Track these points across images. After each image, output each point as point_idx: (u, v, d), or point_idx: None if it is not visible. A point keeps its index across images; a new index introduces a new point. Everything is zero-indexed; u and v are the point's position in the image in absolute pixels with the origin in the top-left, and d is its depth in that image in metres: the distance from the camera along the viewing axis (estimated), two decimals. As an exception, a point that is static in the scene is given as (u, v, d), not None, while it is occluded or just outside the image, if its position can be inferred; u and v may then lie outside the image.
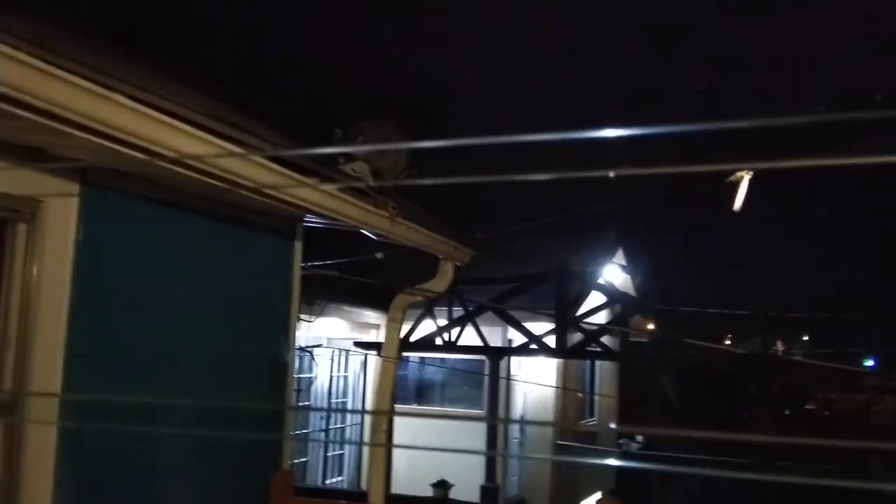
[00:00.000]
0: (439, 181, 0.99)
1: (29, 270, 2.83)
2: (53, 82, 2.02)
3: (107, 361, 3.19)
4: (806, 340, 23.79)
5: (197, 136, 2.54)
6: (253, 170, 2.91)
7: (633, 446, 16.14)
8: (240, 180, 2.85)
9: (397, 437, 10.62)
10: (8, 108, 1.93)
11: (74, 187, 2.97)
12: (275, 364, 4.29)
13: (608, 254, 15.27)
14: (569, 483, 14.17)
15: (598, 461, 13.56)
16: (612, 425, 16.40)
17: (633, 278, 16.07)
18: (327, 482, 12.03)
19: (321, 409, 11.52)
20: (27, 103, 1.98)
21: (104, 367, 3.17)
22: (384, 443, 4.53)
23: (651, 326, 17.49)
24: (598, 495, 15.07)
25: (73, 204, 2.98)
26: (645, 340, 13.93)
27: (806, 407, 23.59)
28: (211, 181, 2.77)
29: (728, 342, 19.62)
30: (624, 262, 16.10)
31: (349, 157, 3.84)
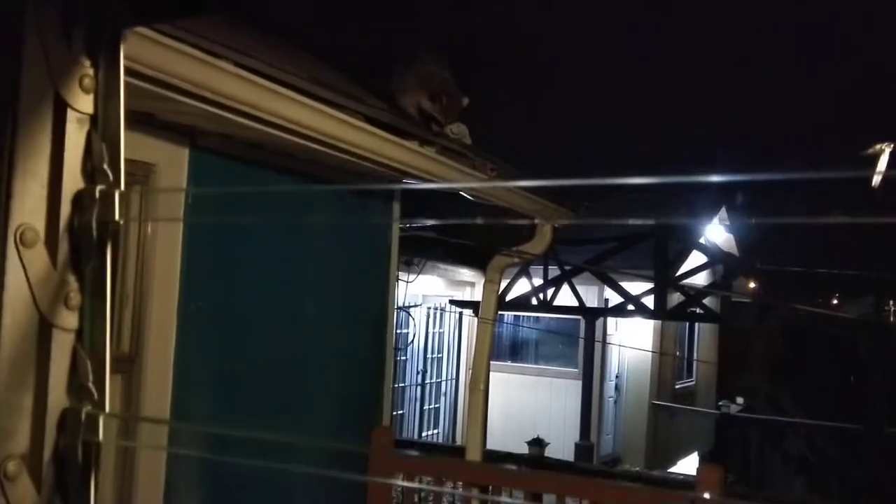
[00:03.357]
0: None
1: (143, 231, 2.96)
2: (163, 51, 2.06)
3: (217, 317, 3.31)
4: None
5: (300, 101, 2.57)
6: (352, 133, 2.93)
7: (734, 408, 15.78)
8: (340, 144, 2.87)
9: (491, 394, 10.72)
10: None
11: (184, 151, 3.06)
12: (375, 323, 4.36)
13: (710, 212, 14.79)
14: (665, 443, 14.02)
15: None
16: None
17: (736, 237, 15.53)
18: (423, 435, 12.30)
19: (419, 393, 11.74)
20: (137, 71, 2.03)
21: (215, 322, 3.30)
22: (480, 403, 4.58)
23: (754, 286, 16.90)
24: (695, 456, 14.88)
25: (184, 167, 3.07)
26: (748, 301, 13.51)
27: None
28: (313, 146, 2.80)
29: (836, 302, 18.79)
30: (727, 221, 15.56)
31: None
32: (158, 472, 2.99)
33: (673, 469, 13.73)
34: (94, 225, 0.93)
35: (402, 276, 9.12)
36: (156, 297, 2.98)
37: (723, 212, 15.45)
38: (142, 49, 2.00)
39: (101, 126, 0.95)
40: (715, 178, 0.85)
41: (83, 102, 0.94)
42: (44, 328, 0.91)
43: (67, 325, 0.93)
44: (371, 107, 3.19)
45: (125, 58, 1.94)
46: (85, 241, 0.93)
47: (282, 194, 3.63)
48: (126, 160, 2.72)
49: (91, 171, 0.94)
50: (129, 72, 2.02)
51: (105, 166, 0.93)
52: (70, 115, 0.93)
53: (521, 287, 11.76)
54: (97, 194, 0.93)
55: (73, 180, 0.93)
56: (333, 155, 3.00)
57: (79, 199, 0.93)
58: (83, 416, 0.91)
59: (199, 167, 3.11)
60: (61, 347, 0.92)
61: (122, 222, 0.93)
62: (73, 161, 0.93)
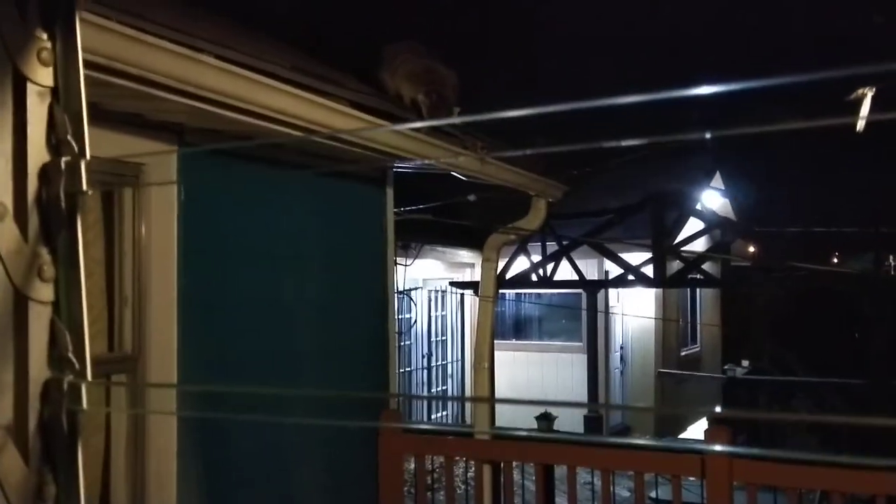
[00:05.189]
0: (528, 152, 0.97)
1: (138, 231, 2.97)
2: (144, 48, 2.07)
3: (216, 311, 3.33)
4: (923, 255, 22.48)
5: (284, 90, 2.57)
6: (339, 120, 2.93)
7: (739, 371, 15.85)
8: (327, 131, 2.88)
9: (496, 373, 10.75)
10: (102, 77, 1.99)
11: (173, 148, 3.07)
12: (376, 308, 4.38)
13: (705, 178, 14.78)
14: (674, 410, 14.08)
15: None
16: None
17: (732, 202, 15.54)
18: (432, 417, 12.37)
19: (422, 397, 11.77)
20: (120, 70, 2.04)
21: (214, 317, 3.32)
22: (486, 381, 4.60)
23: (753, 250, 16.90)
24: (703, 422, 14.97)
25: (174, 164, 3.08)
26: (748, 265, 13.53)
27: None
28: (301, 135, 2.80)
29: (836, 261, 18.82)
30: (722, 186, 15.57)
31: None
32: (170, 449, 3.02)
33: (683, 435, 13.81)
34: (62, 196, 0.93)
35: (400, 260, 9.13)
36: (154, 295, 2.99)
37: (717, 177, 15.46)
38: (123, 47, 2.01)
39: (62, 98, 0.95)
40: (706, 90, 0.85)
41: (43, 75, 0.94)
42: (19, 302, 0.92)
43: (43, 297, 0.94)
44: (355, 91, 3.20)
45: (104, 57, 1.94)
46: (54, 213, 0.94)
47: (275, 186, 3.64)
48: (115, 160, 2.73)
49: (56, 143, 0.94)
50: (110, 71, 2.03)
51: (69, 138, 0.94)
52: (30, 88, 0.93)
53: (521, 265, 11.77)
54: (63, 166, 0.93)
55: (38, 153, 0.93)
56: (323, 143, 3.01)
57: (45, 172, 0.94)
58: (65, 386, 0.93)
59: (190, 163, 3.12)
60: (39, 320, 0.93)
61: (89, 192, 0.94)
62: (37, 134, 0.93)
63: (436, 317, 12.57)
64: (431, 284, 12.28)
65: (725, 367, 15.38)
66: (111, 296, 2.92)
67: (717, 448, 3.67)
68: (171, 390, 3.00)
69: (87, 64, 1.92)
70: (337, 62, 3.88)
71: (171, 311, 3.06)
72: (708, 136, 0.84)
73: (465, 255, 12.48)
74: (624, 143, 0.87)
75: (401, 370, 10.96)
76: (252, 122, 2.55)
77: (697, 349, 15.93)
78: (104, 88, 2.15)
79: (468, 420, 12.24)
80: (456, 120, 3.43)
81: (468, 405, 12.36)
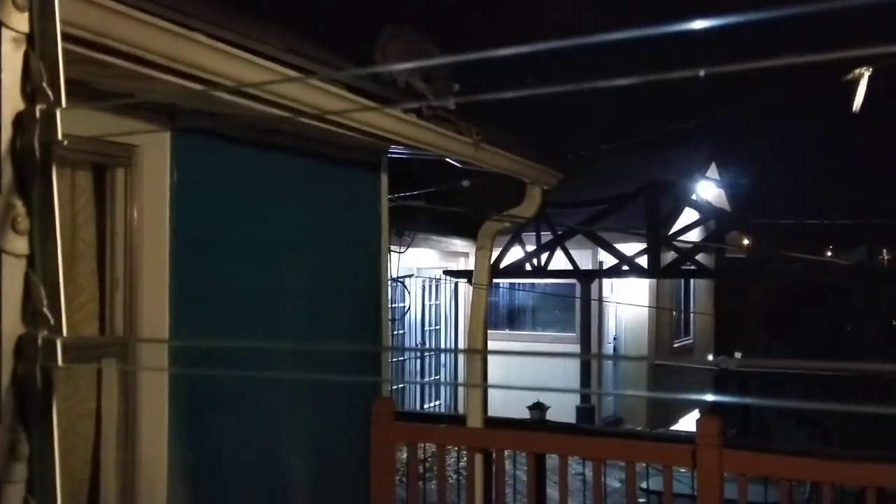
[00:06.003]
0: (517, 93, 0.94)
1: (130, 213, 2.93)
2: (133, 24, 2.03)
3: (209, 297, 3.30)
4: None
5: (278, 72, 2.54)
6: (334, 102, 2.90)
7: (732, 363, 15.89)
8: (322, 114, 2.84)
9: (490, 362, 10.74)
10: (92, 55, 1.95)
11: (166, 130, 3.03)
12: (369, 295, 4.36)
13: (701, 168, 14.79)
14: (666, 401, 14.13)
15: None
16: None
17: (727, 192, 15.55)
18: (425, 407, 12.37)
19: (413, 349, 11.75)
20: (110, 47, 2.00)
21: (206, 302, 3.29)
22: (479, 370, 4.59)
23: (747, 241, 16.94)
24: (695, 412, 15.02)
25: (166, 147, 3.04)
26: (742, 256, 13.54)
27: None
28: (295, 117, 2.77)
29: (829, 253, 18.88)
30: (717, 177, 15.57)
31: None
32: (161, 434, 3.00)
33: (675, 427, 13.85)
34: (36, 146, 0.90)
35: (394, 247, 9.12)
36: (146, 278, 2.96)
37: (713, 167, 15.46)
38: (111, 22, 1.97)
39: (38, 45, 0.92)
40: (699, 24, 0.81)
41: (18, 21, 0.91)
42: (-8, 255, 0.90)
43: (17, 250, 0.91)
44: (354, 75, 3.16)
45: (93, 33, 1.90)
46: (28, 163, 0.91)
47: (268, 170, 3.61)
48: (107, 142, 2.69)
49: (31, 91, 0.91)
50: (99, 48, 1.99)
51: (44, 85, 0.91)
52: (5, 34, 0.90)
53: (515, 254, 11.76)
54: (38, 114, 0.90)
55: (12, 101, 0.90)
56: (317, 126, 2.98)
57: (19, 121, 0.90)
58: (40, 342, 0.90)
59: (183, 146, 3.08)
60: (12, 273, 0.91)
61: (65, 142, 0.91)
62: (12, 82, 0.90)
63: (429, 305, 12.57)
64: (425, 273, 12.27)
65: (718, 358, 15.41)
66: (102, 279, 2.89)
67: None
68: (161, 376, 2.97)
69: (75, 39, 1.89)
70: (338, 48, 3.83)
71: (162, 295, 3.03)
72: (702, 73, 0.81)
73: (459, 243, 12.46)
74: (616, 83, 0.84)
75: (394, 359, 10.96)
76: (244, 104, 2.51)
77: (690, 341, 15.97)
78: (93, 66, 2.11)
79: (461, 409, 12.24)
80: (452, 101, 3.39)
81: (461, 398, 12.36)
